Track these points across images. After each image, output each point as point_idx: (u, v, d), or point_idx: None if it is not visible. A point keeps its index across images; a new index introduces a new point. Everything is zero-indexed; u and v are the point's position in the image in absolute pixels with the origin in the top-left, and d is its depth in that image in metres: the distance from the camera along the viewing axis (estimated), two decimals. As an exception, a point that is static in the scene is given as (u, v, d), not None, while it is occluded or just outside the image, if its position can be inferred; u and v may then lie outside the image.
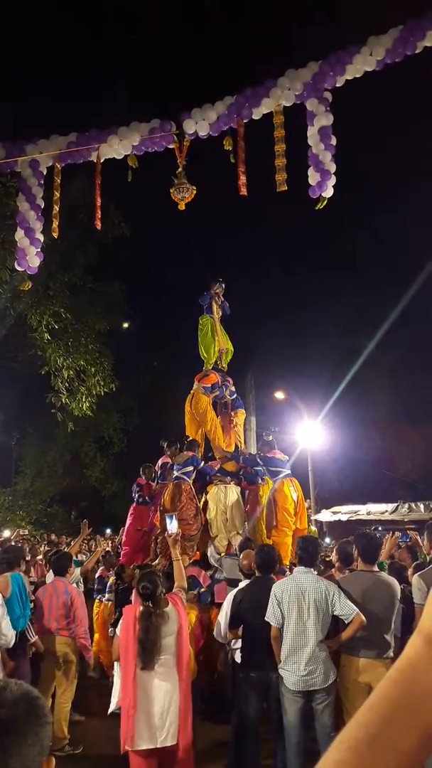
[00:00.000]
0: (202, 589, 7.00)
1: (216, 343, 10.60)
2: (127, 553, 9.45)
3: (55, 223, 7.83)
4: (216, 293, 10.85)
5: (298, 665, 4.41)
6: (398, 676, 0.62)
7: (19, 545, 9.05)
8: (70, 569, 6.43)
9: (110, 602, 8.00)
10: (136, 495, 9.97)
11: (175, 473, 9.01)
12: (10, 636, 5.12)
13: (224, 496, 8.97)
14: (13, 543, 9.81)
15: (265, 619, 4.61)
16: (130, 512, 9.97)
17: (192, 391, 10.28)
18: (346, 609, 4.45)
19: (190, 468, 9.08)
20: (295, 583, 4.59)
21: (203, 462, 9.50)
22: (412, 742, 0.57)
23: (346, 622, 4.48)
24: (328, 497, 22.48)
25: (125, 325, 21.93)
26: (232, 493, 9.08)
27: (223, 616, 5.47)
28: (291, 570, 6.30)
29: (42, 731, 1.12)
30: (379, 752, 0.56)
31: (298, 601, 4.49)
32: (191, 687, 4.35)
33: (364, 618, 4.41)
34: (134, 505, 9.98)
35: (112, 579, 8.22)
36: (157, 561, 8.14)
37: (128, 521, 9.89)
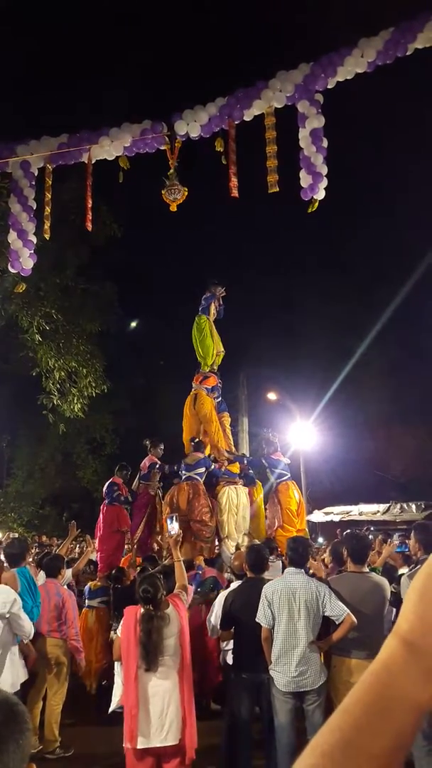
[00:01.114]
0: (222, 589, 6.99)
1: (215, 345, 10.60)
2: (105, 557, 9.11)
3: (47, 225, 7.82)
4: (219, 296, 10.87)
5: (288, 666, 4.40)
6: (373, 679, 0.61)
7: (23, 539, 8.96)
8: (62, 571, 6.42)
9: (92, 609, 7.66)
10: (114, 494, 9.57)
11: (187, 474, 9.01)
12: (29, 627, 5.14)
13: (236, 497, 9.10)
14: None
15: (256, 620, 4.60)
16: (102, 513, 9.58)
17: (194, 393, 10.23)
18: (336, 610, 4.44)
19: (202, 469, 9.14)
20: (286, 583, 4.58)
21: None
22: (385, 746, 0.57)
23: (336, 622, 4.47)
24: (320, 498, 22.52)
25: (133, 324, 21.93)
26: (242, 494, 9.23)
27: (213, 617, 5.49)
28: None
29: (22, 738, 1.11)
30: (352, 757, 0.55)
31: (288, 602, 4.48)
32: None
33: (354, 619, 4.41)
34: (106, 505, 9.58)
35: (92, 583, 7.98)
36: (166, 562, 8.07)
37: (101, 523, 9.50)
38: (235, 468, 9.64)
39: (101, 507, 9.69)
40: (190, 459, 9.26)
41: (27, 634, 5.14)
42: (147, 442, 10.17)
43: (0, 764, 1.05)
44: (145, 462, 9.95)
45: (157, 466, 9.79)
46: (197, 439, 9.81)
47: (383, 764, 0.56)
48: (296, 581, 4.57)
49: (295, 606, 4.47)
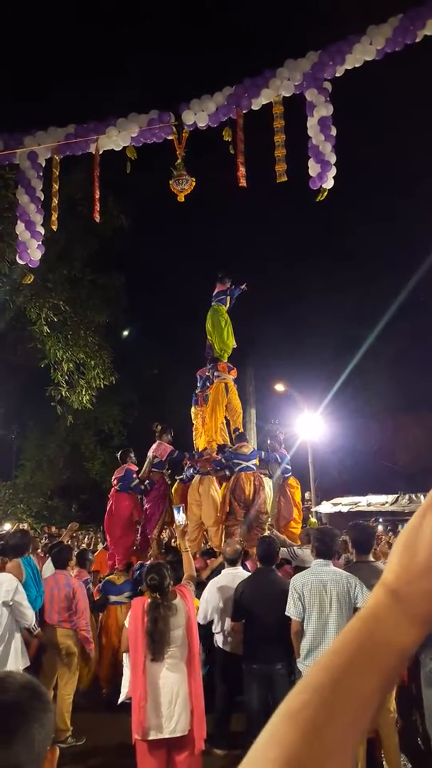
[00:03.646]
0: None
1: (232, 336, 10.56)
2: (124, 549, 8.67)
3: (55, 216, 7.80)
4: (242, 291, 10.86)
5: None
6: (360, 624, 0.66)
7: (26, 531, 8.83)
8: (71, 562, 6.46)
9: (121, 605, 7.12)
10: (132, 482, 9.02)
11: (244, 464, 9.00)
12: (30, 615, 5.23)
13: (268, 489, 9.21)
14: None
15: (286, 613, 4.50)
16: (114, 501, 9.01)
17: (224, 382, 10.15)
18: None
19: (255, 459, 9.21)
20: (315, 576, 4.47)
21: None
22: (371, 686, 0.62)
23: None
24: (328, 489, 22.52)
25: (125, 333, 22.05)
26: (270, 485, 9.36)
27: (203, 603, 5.53)
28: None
29: (46, 717, 1.15)
30: (340, 695, 0.61)
31: (319, 595, 4.37)
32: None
33: None
34: (117, 493, 9.01)
35: (113, 578, 7.54)
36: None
37: (116, 511, 8.94)
38: (257, 460, 9.79)
39: (111, 495, 9.21)
40: (245, 448, 9.22)
41: (29, 622, 5.24)
42: (158, 427, 9.78)
43: (25, 740, 1.08)
44: (158, 449, 9.49)
45: (176, 453, 9.60)
46: (240, 430, 9.85)
47: (368, 701, 0.62)
48: (325, 573, 4.45)
49: (327, 598, 4.35)
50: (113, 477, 9.42)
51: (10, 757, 1.06)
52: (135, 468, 9.29)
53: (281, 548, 8.08)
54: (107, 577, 7.72)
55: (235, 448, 9.29)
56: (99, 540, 13.89)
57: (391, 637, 0.64)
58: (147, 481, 9.26)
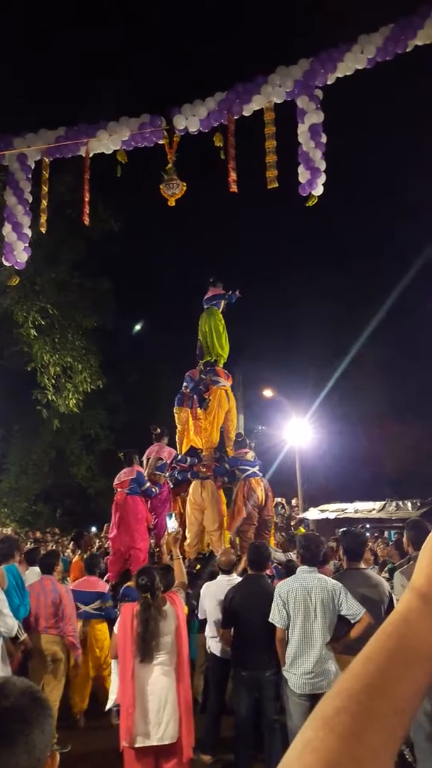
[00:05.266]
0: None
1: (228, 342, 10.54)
2: (143, 554, 8.18)
3: (43, 218, 7.78)
4: (237, 297, 10.89)
5: (304, 668, 4.26)
6: (392, 629, 0.66)
7: (13, 537, 8.60)
8: (57, 567, 6.39)
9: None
10: (144, 485, 8.48)
11: (251, 470, 9.05)
12: (12, 623, 5.14)
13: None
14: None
15: (270, 620, 4.47)
16: (126, 505, 8.34)
17: (225, 389, 10.09)
18: (353, 608, 4.28)
19: (257, 466, 9.26)
20: (300, 582, 4.43)
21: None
22: (406, 690, 0.62)
23: (352, 621, 4.30)
24: (315, 495, 22.54)
25: (137, 327, 21.93)
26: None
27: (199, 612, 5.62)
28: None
29: (46, 723, 1.15)
30: (376, 700, 0.60)
31: (304, 602, 4.34)
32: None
33: (371, 618, 4.23)
34: (134, 496, 8.37)
35: (132, 584, 7.04)
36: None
37: (130, 514, 8.29)
38: None
39: (119, 498, 8.50)
40: (249, 454, 9.27)
41: (9, 630, 5.12)
42: (156, 430, 9.61)
43: (25, 745, 1.08)
44: (162, 451, 9.24)
45: (180, 457, 9.54)
46: (243, 436, 9.95)
47: (403, 706, 0.61)
48: (310, 580, 4.42)
49: (311, 605, 4.32)
50: (120, 479, 8.66)
51: (11, 763, 1.05)
52: (142, 470, 8.82)
53: (286, 552, 8.12)
54: (128, 584, 7.45)
55: (239, 455, 9.29)
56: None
57: (424, 641, 0.64)
58: (154, 484, 8.86)
